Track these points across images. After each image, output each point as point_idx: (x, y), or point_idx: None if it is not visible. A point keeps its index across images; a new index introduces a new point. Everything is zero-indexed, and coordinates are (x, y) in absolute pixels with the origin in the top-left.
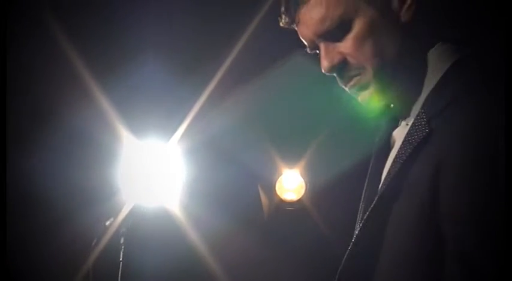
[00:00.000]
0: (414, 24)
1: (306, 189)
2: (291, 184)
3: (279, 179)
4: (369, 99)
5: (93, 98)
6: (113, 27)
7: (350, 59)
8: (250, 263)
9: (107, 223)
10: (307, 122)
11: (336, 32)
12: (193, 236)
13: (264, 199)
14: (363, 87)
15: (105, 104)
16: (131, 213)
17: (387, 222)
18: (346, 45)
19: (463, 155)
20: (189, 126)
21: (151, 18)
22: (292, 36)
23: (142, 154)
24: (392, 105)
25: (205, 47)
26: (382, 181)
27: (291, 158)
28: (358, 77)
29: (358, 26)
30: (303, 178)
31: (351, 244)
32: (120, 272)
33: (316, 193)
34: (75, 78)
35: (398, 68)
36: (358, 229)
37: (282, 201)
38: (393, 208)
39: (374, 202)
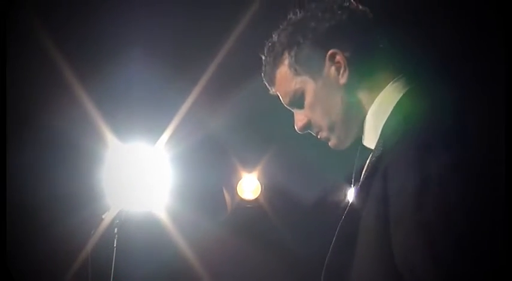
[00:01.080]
0: (353, 81)
1: (261, 190)
2: (249, 185)
3: (240, 181)
4: (335, 147)
5: (77, 100)
6: (99, 27)
7: (311, 121)
8: (220, 253)
9: (103, 216)
10: (264, 132)
11: (297, 102)
12: (177, 236)
13: (227, 198)
14: (327, 139)
15: (89, 106)
16: (117, 217)
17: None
18: (305, 112)
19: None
20: (174, 130)
21: (138, 19)
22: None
23: (127, 157)
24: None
25: (191, 49)
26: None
27: (249, 164)
28: (320, 133)
29: (308, 96)
30: (259, 181)
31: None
32: (114, 257)
33: (270, 193)
34: (59, 80)
35: (348, 119)
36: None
37: (242, 200)
38: (359, 230)
39: (339, 226)
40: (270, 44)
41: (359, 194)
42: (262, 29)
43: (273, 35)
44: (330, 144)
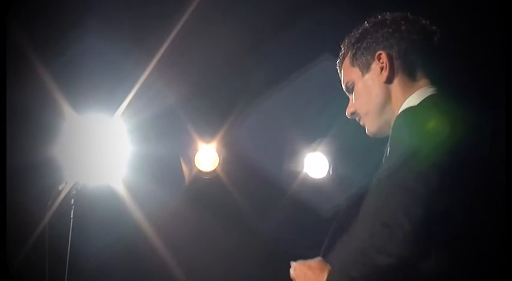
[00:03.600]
0: (391, 81)
1: (219, 161)
2: (207, 156)
3: (197, 153)
4: (368, 133)
5: (33, 72)
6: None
7: (357, 109)
8: (177, 224)
9: (60, 187)
10: (222, 103)
11: (349, 90)
12: (134, 207)
13: (185, 169)
14: (364, 124)
15: (46, 78)
16: (73, 188)
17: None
18: (352, 101)
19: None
20: (131, 102)
21: None
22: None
23: (84, 129)
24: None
25: (151, 20)
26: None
27: (207, 135)
28: (360, 119)
29: (356, 88)
30: (217, 152)
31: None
32: (71, 228)
33: (228, 164)
34: (15, 50)
35: (380, 113)
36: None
37: (200, 171)
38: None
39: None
40: (348, 38)
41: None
42: (217, 6)
43: (354, 30)
44: (366, 131)
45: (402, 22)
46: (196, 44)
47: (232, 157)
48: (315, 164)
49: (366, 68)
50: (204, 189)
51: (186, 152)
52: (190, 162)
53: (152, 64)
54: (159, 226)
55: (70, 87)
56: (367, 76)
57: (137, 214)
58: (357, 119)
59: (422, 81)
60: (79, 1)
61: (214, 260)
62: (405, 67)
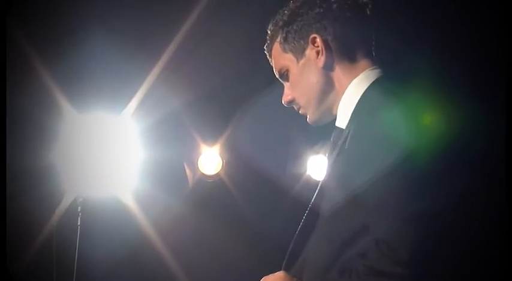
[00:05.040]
0: (330, 66)
1: (222, 164)
2: (210, 160)
3: (201, 156)
4: (310, 122)
5: (35, 74)
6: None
7: (295, 97)
8: (181, 228)
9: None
10: (225, 107)
11: (283, 77)
12: (138, 211)
13: (188, 173)
14: (305, 114)
15: (48, 81)
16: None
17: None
18: (289, 88)
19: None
20: (134, 106)
21: None
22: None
23: (88, 133)
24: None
25: (154, 23)
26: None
27: (210, 138)
28: (300, 109)
29: (291, 74)
30: (220, 155)
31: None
32: (78, 235)
33: (231, 167)
34: (16, 52)
35: (321, 100)
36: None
37: (203, 175)
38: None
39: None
40: (274, 20)
41: (327, 175)
42: (225, 6)
43: (280, 11)
44: (307, 119)
45: (333, 0)
46: (200, 48)
47: (236, 160)
48: (318, 167)
49: (300, 54)
50: (208, 192)
51: (190, 155)
52: (193, 166)
53: (155, 68)
54: (163, 229)
55: (73, 90)
56: (302, 62)
57: (141, 218)
58: (295, 107)
59: (364, 62)
60: (82, 2)
61: (218, 264)
62: (343, 49)
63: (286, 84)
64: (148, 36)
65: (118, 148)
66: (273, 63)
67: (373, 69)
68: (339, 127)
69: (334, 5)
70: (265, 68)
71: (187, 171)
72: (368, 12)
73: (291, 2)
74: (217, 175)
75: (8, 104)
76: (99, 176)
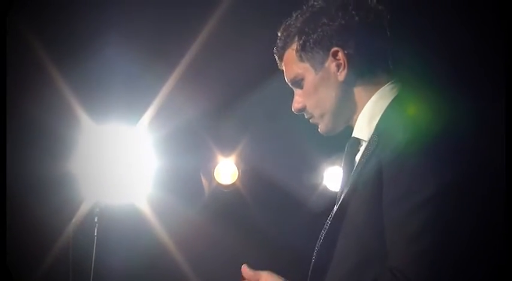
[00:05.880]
0: (351, 80)
1: (238, 174)
2: (226, 170)
3: (217, 166)
4: (322, 132)
5: (52, 83)
6: (77, 10)
7: (306, 106)
8: (198, 238)
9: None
10: (241, 116)
11: (296, 84)
12: (154, 221)
13: (205, 183)
14: (316, 124)
15: (67, 91)
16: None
17: (343, 228)
18: (302, 96)
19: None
20: (151, 116)
21: (118, 2)
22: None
23: (105, 144)
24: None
25: (172, 33)
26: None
27: (226, 148)
28: (311, 119)
29: (306, 84)
30: (236, 165)
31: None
32: (95, 245)
33: (247, 177)
34: (33, 61)
35: (338, 113)
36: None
37: (219, 184)
38: (348, 216)
39: (334, 210)
40: (287, 23)
41: (351, 189)
42: (242, 16)
43: (293, 15)
44: (319, 129)
45: (353, 12)
46: (217, 58)
47: (251, 170)
48: (334, 177)
49: (319, 65)
50: (224, 202)
51: (206, 165)
52: (209, 175)
53: (172, 78)
54: (179, 239)
55: (90, 100)
56: (320, 74)
57: (158, 227)
58: (305, 116)
59: (384, 76)
60: (99, 12)
61: (234, 273)
62: (364, 63)
63: (297, 91)
64: (165, 47)
65: (135, 158)
66: (284, 68)
67: (393, 83)
68: (356, 138)
69: (356, 18)
70: (283, 79)
71: (204, 181)
72: (386, 24)
73: (306, 8)
74: (233, 184)
75: (28, 115)
76: (116, 185)
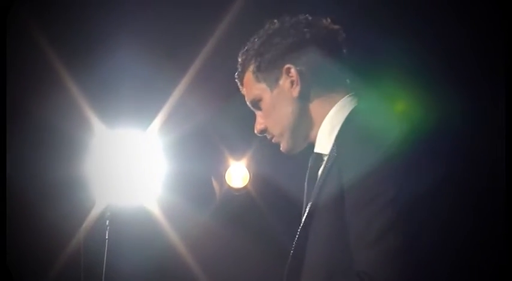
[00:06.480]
0: (305, 95)
1: (250, 178)
2: (237, 173)
3: (228, 169)
4: (284, 151)
5: (64, 87)
6: (88, 15)
7: (267, 126)
8: (209, 241)
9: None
10: (253, 120)
11: (256, 106)
12: (166, 225)
13: (216, 186)
14: (278, 143)
15: (78, 95)
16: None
17: (313, 234)
18: (262, 117)
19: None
20: (162, 120)
21: (129, 6)
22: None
23: (116, 148)
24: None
25: (182, 34)
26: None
27: (238, 152)
28: (273, 138)
29: (264, 104)
30: (247, 169)
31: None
32: (106, 249)
33: (259, 181)
34: (45, 66)
35: (297, 129)
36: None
37: (230, 188)
38: (317, 222)
39: (304, 216)
40: (245, 48)
41: (318, 195)
42: (251, 20)
43: (251, 40)
44: (281, 148)
45: (305, 29)
46: (228, 60)
47: (263, 173)
48: None
49: (274, 83)
50: (235, 206)
51: (217, 169)
52: (221, 179)
53: (183, 82)
54: (191, 243)
55: (101, 103)
56: (276, 92)
57: (169, 231)
58: (267, 136)
59: (340, 89)
60: (110, 15)
61: (246, 277)
62: (318, 78)
63: (258, 113)
64: (177, 49)
65: (146, 161)
66: (244, 92)
67: (350, 95)
68: (317, 153)
69: (308, 35)
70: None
71: (215, 184)
72: (341, 39)
73: (262, 31)
74: (244, 188)
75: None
76: (128, 189)
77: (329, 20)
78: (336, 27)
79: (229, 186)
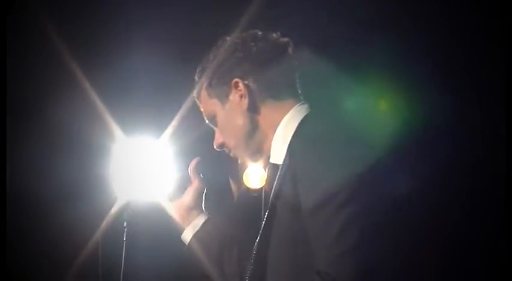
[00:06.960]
0: (255, 107)
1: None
2: (255, 174)
3: (246, 171)
4: (242, 163)
5: (81, 93)
6: (102, 20)
7: (225, 141)
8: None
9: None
10: None
11: (212, 122)
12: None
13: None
14: (235, 157)
15: (94, 100)
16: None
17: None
18: (218, 134)
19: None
20: (179, 123)
21: (144, 11)
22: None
23: (133, 151)
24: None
25: (198, 41)
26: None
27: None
28: (231, 152)
29: (218, 120)
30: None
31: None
32: (124, 251)
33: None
34: (63, 73)
35: (250, 141)
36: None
37: (248, 189)
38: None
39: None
40: (200, 67)
41: (274, 202)
42: (268, 22)
43: (204, 58)
44: (239, 161)
45: (252, 43)
46: None
47: None
48: None
49: (224, 98)
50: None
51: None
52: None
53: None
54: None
55: (117, 107)
56: (227, 106)
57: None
58: (226, 150)
59: (290, 99)
60: (127, 18)
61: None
62: (266, 90)
63: (216, 129)
64: (192, 53)
65: (164, 163)
66: (202, 109)
67: (300, 105)
68: (273, 163)
69: (254, 49)
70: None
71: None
72: (290, 51)
73: (215, 48)
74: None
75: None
76: (146, 189)
77: (278, 34)
78: (285, 40)
79: (246, 187)
